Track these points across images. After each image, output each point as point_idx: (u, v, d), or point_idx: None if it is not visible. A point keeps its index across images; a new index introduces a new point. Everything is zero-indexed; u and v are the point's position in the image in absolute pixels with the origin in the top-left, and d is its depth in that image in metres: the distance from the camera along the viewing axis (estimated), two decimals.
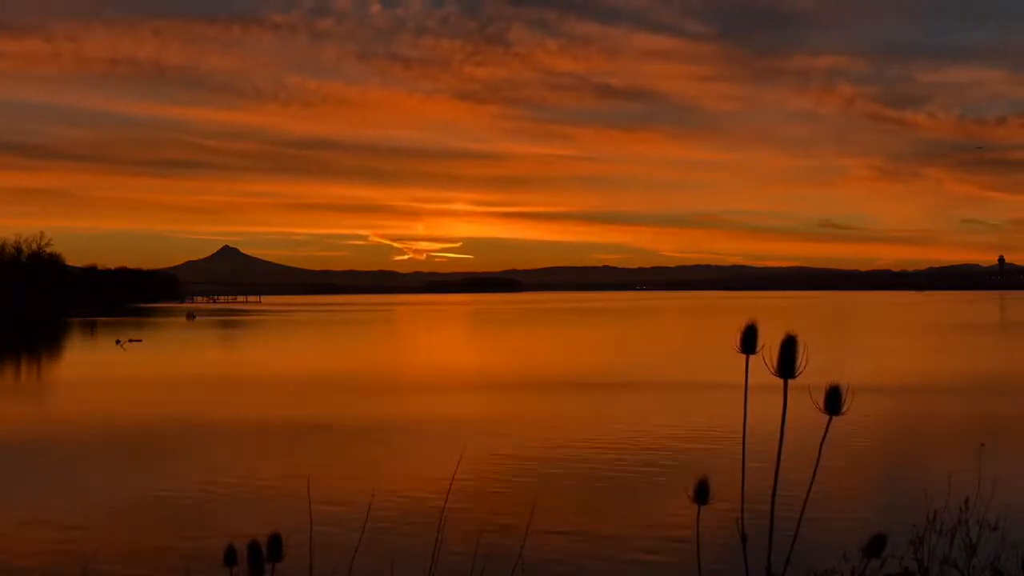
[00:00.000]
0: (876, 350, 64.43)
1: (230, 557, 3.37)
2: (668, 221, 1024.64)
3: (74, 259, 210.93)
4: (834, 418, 3.17)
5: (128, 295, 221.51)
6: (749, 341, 3.19)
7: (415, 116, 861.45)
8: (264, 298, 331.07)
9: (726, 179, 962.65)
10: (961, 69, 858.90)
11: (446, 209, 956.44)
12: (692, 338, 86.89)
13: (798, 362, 3.11)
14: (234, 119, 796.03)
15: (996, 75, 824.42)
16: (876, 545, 3.54)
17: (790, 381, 3.14)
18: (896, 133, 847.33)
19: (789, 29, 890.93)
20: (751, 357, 3.22)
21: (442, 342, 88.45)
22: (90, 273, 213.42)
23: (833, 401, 3.15)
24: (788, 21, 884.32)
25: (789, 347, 3.11)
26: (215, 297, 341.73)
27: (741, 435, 3.54)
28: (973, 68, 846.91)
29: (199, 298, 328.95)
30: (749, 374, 3.26)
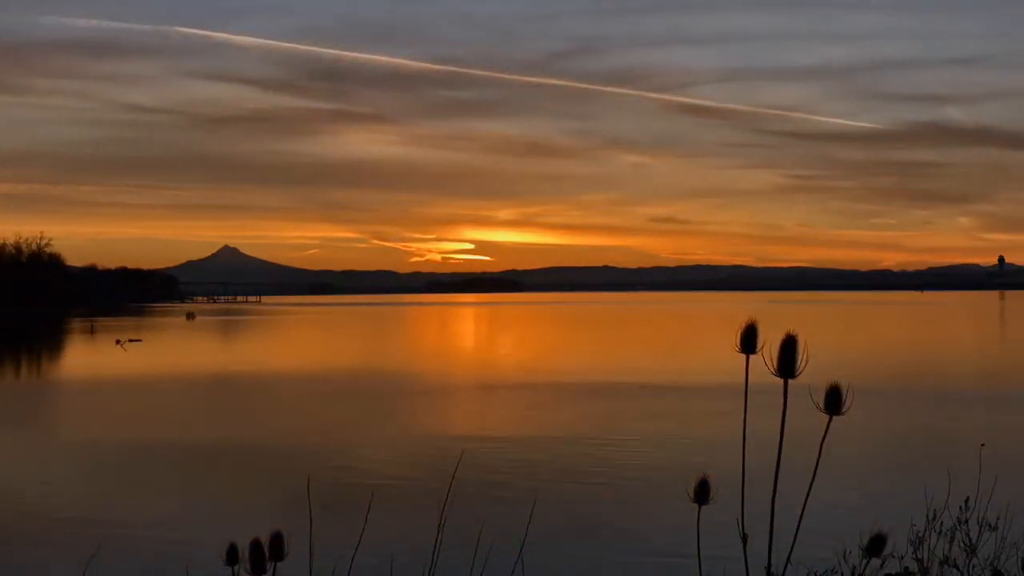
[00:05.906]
0: (879, 348, 64.43)
1: (231, 556, 3.37)
2: (640, 226, 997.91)
3: (74, 259, 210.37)
4: (834, 418, 3.18)
5: (128, 295, 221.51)
6: (749, 341, 3.19)
7: (301, 132, 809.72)
8: (264, 298, 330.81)
9: (659, 185, 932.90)
10: (777, 90, 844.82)
11: (433, 212, 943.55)
12: (692, 339, 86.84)
13: (798, 361, 3.11)
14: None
15: (815, 94, 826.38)
16: (876, 545, 3.55)
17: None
18: (763, 145, 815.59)
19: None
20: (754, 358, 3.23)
21: (443, 342, 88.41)
22: (90, 273, 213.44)
23: (833, 401, 3.15)
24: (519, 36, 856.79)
25: (789, 347, 3.11)
26: (215, 297, 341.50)
27: (741, 435, 3.55)
28: (788, 89, 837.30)
29: (199, 298, 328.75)
30: (749, 374, 3.27)
